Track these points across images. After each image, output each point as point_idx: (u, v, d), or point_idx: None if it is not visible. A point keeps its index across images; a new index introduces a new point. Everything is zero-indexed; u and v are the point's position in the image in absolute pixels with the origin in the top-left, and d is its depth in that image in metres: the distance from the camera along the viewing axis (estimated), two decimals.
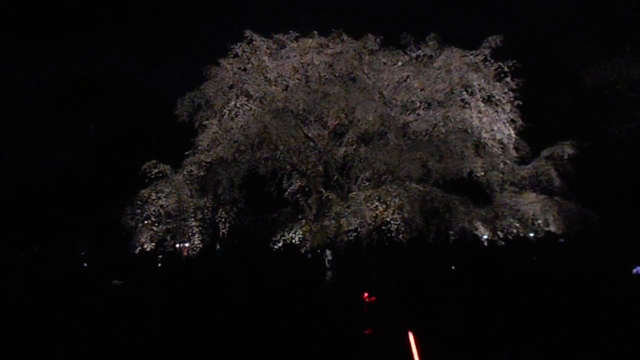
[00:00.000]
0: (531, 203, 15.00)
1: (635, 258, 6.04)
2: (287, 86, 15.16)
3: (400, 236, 12.76)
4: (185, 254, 13.87)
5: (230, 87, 15.12)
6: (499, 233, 14.22)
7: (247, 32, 15.17)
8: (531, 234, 14.20)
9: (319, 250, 11.84)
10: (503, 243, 12.27)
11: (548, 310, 4.64)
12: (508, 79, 14.94)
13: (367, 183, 15.02)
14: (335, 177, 15.41)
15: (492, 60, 15.03)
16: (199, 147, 14.66)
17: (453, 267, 5.96)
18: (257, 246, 13.63)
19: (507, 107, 14.89)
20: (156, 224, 14.20)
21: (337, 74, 14.94)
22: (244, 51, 15.29)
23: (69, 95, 24.08)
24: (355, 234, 13.46)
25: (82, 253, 13.85)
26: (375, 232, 13.52)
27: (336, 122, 15.24)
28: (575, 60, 18.39)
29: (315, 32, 15.58)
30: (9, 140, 22.39)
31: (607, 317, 4.47)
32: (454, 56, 14.83)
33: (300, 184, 15.30)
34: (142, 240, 13.86)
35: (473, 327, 4.52)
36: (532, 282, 5.29)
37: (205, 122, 15.06)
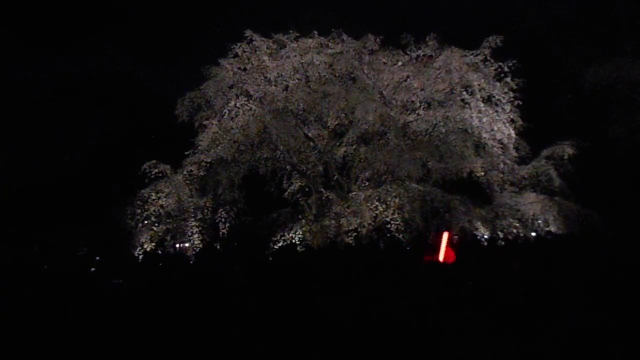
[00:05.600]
0: (531, 203, 15.00)
1: (635, 257, 6.04)
2: (287, 86, 15.17)
3: (401, 236, 12.80)
4: (187, 253, 13.89)
5: (230, 87, 15.12)
6: (499, 233, 14.24)
7: (247, 32, 15.18)
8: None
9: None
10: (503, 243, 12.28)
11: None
12: (508, 79, 14.94)
13: (367, 183, 15.04)
14: (335, 177, 15.41)
15: (492, 60, 15.03)
16: (199, 147, 14.66)
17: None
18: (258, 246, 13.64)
19: (507, 107, 14.89)
20: (156, 224, 14.22)
21: (337, 74, 14.93)
22: (244, 51, 15.30)
23: (69, 95, 24.05)
24: (355, 234, 13.48)
25: (81, 253, 13.83)
26: (375, 232, 13.55)
27: (336, 122, 15.25)
28: (575, 60, 18.39)
29: (315, 32, 15.59)
30: (8, 140, 22.36)
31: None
32: (454, 56, 14.83)
33: (300, 184, 15.31)
34: (142, 240, 13.88)
35: None
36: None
37: (205, 122, 15.05)
